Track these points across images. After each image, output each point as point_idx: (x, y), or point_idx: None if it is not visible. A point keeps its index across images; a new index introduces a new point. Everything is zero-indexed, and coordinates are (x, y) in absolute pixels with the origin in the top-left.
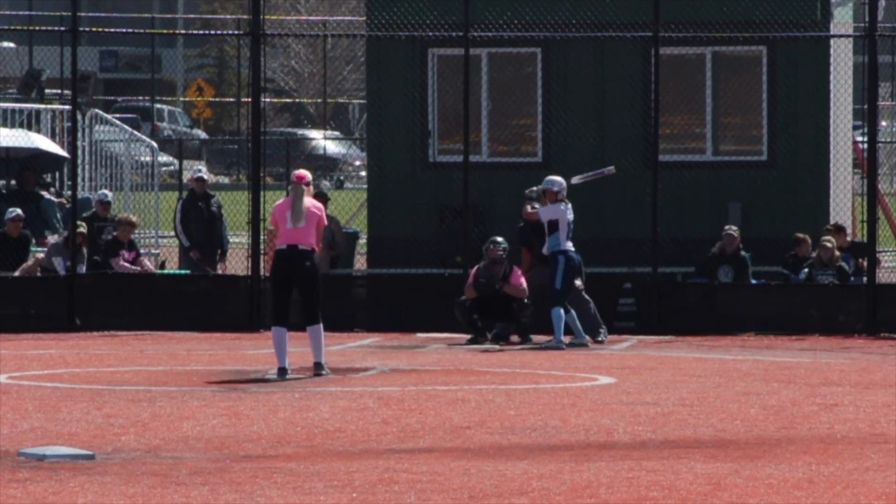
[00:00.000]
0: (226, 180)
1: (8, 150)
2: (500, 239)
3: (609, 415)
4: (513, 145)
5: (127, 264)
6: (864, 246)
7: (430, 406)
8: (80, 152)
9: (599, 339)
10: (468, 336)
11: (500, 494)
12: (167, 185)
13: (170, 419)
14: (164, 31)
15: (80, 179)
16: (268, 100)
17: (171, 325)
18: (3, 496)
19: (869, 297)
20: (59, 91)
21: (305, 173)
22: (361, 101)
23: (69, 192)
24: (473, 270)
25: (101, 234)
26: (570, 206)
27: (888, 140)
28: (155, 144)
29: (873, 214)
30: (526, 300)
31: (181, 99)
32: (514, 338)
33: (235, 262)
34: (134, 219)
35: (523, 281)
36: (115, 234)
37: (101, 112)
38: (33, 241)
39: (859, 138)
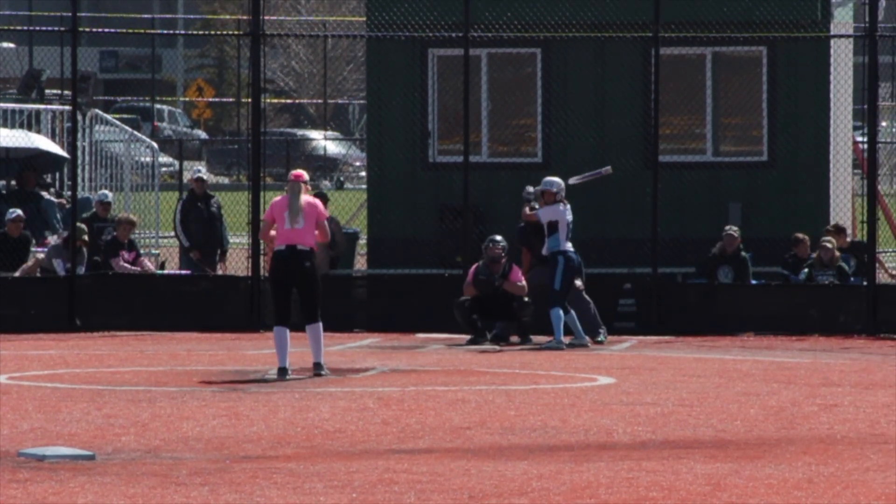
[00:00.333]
0: (226, 181)
1: (8, 150)
2: (499, 237)
3: (609, 415)
4: (513, 145)
5: (127, 265)
6: (864, 246)
7: (429, 406)
8: (80, 153)
9: (599, 339)
10: (468, 336)
11: (500, 495)
12: (167, 185)
13: (170, 419)
14: (164, 32)
15: (80, 180)
16: (268, 100)
17: (171, 325)
18: (4, 496)
19: (869, 297)
20: (59, 91)
21: (302, 172)
22: (361, 102)
23: (69, 193)
24: (472, 269)
25: (101, 234)
26: (568, 206)
27: (888, 140)
28: (155, 145)
29: (873, 215)
30: (526, 299)
31: (181, 99)
32: (514, 338)
33: (235, 263)
34: (133, 218)
35: (523, 279)
36: (114, 234)
37: (101, 112)
38: (33, 241)
39: (859, 138)
